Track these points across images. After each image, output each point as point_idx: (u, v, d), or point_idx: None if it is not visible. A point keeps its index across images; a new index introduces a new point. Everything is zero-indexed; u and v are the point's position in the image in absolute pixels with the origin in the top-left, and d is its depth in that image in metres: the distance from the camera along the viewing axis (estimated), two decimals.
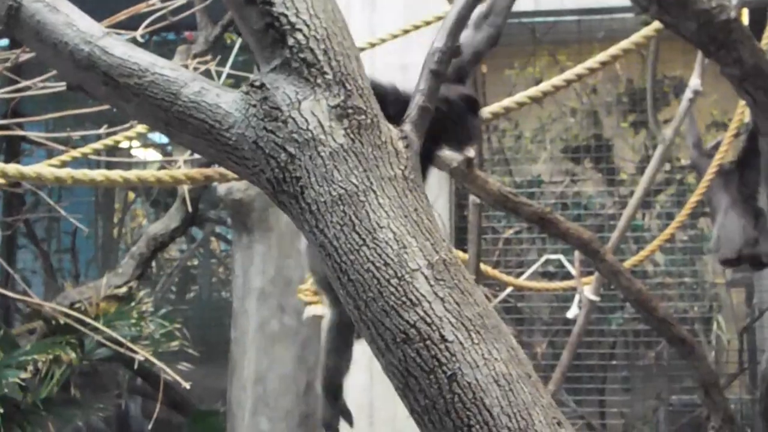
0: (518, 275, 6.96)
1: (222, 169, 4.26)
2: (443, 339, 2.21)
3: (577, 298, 5.86)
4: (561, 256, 6.68)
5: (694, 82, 5.72)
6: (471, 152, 4.57)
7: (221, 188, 7.65)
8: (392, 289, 2.24)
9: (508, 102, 4.68)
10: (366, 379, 6.46)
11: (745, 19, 5.45)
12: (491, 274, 6.48)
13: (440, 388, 2.19)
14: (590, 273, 5.90)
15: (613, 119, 8.78)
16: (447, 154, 4.70)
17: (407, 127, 2.48)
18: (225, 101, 2.44)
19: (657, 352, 8.23)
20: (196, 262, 14.61)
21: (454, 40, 2.58)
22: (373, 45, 5.51)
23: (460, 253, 6.26)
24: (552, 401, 2.25)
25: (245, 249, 7.63)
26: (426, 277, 2.25)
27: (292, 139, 2.35)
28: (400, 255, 2.26)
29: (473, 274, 5.73)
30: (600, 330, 7.87)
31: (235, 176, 3.19)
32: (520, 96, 4.68)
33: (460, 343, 2.21)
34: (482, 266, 6.07)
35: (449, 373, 2.19)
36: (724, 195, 5.52)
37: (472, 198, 5.59)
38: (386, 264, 2.26)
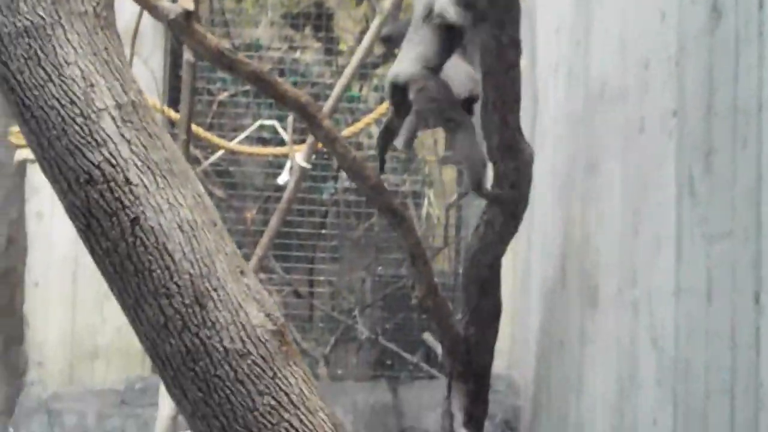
0: (232, 139, 6.87)
1: None
2: (128, 181, 2.15)
3: (288, 164, 5.84)
4: (275, 122, 6.64)
5: None
6: (190, 4, 4.44)
7: None
8: (77, 128, 2.15)
9: None
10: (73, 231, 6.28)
11: None
12: (203, 136, 6.38)
13: (122, 231, 2.14)
14: (303, 141, 5.89)
15: None
16: (165, 5, 4.55)
17: None
18: None
19: (368, 224, 8.36)
20: None
21: None
22: None
23: (173, 113, 6.15)
24: (236, 250, 2.23)
25: None
26: (113, 118, 2.17)
27: None
28: (86, 93, 2.17)
29: (185, 135, 5.62)
30: (312, 199, 7.92)
31: None
32: None
33: (145, 186, 2.15)
34: (194, 127, 5.96)
35: (132, 216, 2.14)
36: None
37: (186, 56, 5.46)
38: (72, 102, 2.17)
